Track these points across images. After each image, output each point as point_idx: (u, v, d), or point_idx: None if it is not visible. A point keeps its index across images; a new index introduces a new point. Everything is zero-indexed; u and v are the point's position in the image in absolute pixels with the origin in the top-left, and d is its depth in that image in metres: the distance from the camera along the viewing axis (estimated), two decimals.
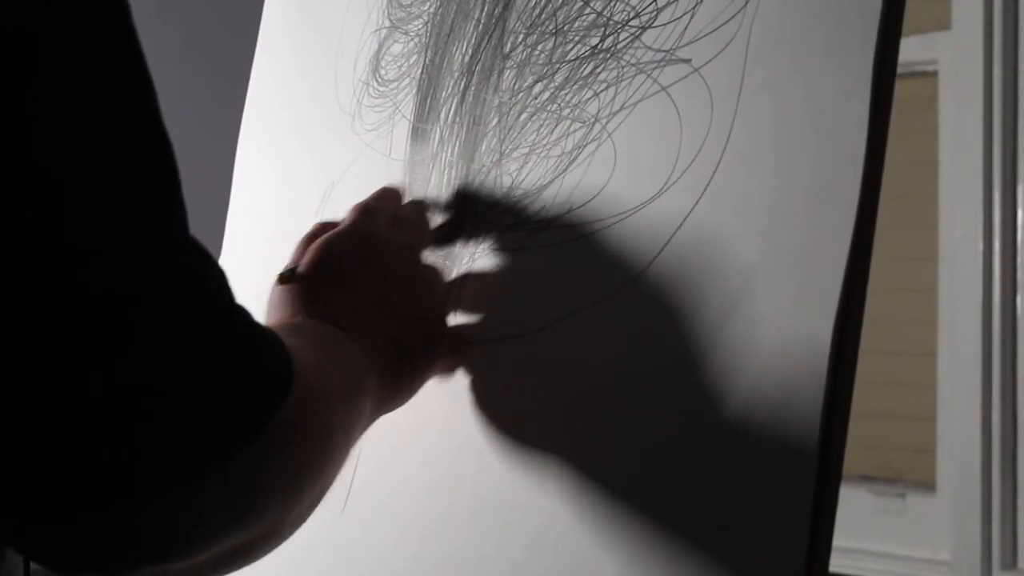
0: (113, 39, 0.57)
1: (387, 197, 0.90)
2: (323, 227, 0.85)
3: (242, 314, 0.60)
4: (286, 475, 0.63)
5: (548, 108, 0.86)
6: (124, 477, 0.55)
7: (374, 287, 0.80)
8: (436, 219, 0.90)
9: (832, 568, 0.71)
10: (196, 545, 0.59)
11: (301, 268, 0.80)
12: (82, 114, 0.55)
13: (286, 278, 0.81)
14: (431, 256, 0.88)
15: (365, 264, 0.81)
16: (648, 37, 0.81)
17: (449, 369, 0.84)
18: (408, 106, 0.95)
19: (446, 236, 0.89)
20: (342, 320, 0.77)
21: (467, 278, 0.86)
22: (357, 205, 0.86)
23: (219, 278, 0.60)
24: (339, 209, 0.89)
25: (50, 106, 0.54)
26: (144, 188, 0.57)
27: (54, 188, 0.54)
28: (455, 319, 0.86)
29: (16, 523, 0.56)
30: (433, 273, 0.86)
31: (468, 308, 0.86)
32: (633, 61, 0.82)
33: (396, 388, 0.80)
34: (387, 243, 0.83)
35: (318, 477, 0.68)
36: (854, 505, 2.22)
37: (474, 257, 0.86)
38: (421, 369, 0.82)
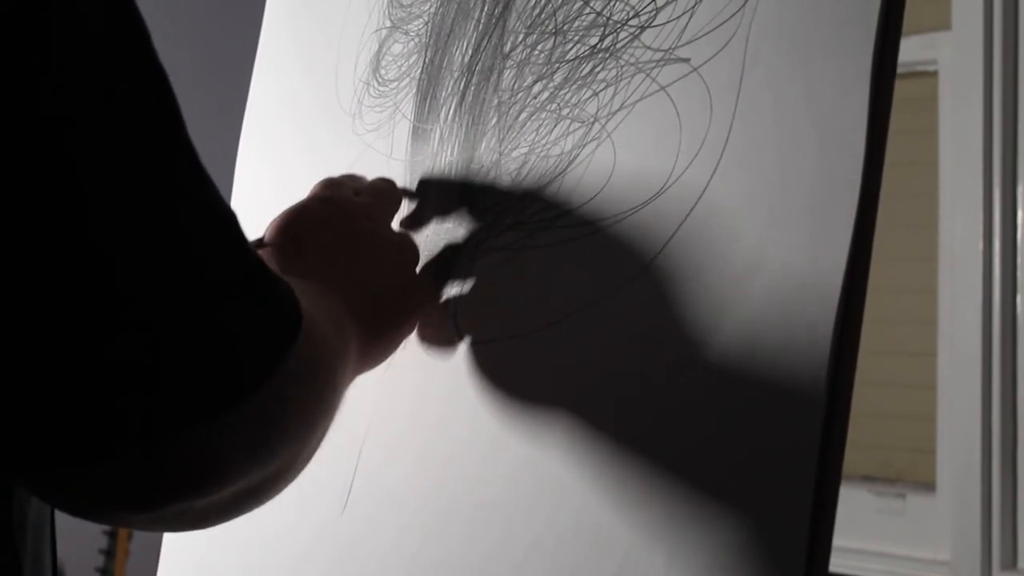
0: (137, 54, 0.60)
1: (353, 176, 0.92)
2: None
3: (254, 255, 0.63)
4: (299, 411, 0.66)
5: (547, 108, 0.86)
6: (149, 416, 0.58)
7: (339, 246, 0.83)
8: (406, 198, 0.91)
9: (832, 568, 0.71)
10: (220, 481, 0.62)
11: (267, 237, 0.83)
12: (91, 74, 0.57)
13: (255, 247, 0.82)
14: (400, 228, 0.90)
15: (328, 225, 0.84)
16: (647, 36, 0.81)
17: (425, 323, 0.86)
18: (408, 106, 0.95)
19: (445, 236, 0.89)
20: (313, 279, 0.78)
21: (467, 278, 0.86)
22: (323, 179, 0.89)
23: (234, 220, 0.63)
24: None
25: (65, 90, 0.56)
26: (156, 139, 0.59)
27: (69, 142, 0.56)
28: (451, 316, 0.86)
29: (47, 468, 0.59)
30: (401, 237, 0.88)
31: (469, 308, 0.86)
32: (632, 60, 0.82)
33: (375, 338, 0.82)
34: (349, 205, 0.86)
35: (325, 415, 0.71)
36: (854, 505, 2.21)
37: (474, 257, 0.86)
38: (397, 320, 0.85)
